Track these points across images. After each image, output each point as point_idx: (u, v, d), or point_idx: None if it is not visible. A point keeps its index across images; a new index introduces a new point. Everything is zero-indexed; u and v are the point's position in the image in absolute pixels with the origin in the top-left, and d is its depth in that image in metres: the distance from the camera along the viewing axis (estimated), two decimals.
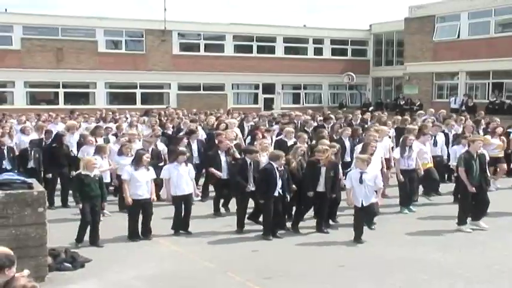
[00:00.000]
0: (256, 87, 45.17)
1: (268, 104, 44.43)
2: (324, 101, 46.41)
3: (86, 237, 12.03)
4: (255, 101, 44.90)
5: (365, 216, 12.40)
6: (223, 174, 14.84)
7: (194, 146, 17.00)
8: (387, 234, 12.69)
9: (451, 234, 12.81)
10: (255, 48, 44.64)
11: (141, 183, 12.36)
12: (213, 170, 14.92)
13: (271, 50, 45.28)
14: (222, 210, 14.96)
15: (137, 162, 12.52)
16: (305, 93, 46.63)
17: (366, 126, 20.37)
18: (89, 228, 12.01)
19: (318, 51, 46.43)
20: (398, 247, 11.77)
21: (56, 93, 40.08)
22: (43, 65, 38.43)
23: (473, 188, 12.87)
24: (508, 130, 19.90)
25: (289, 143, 16.47)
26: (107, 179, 14.59)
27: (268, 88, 45.17)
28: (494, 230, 13.02)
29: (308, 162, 13.15)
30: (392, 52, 46.76)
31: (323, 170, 12.79)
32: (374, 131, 16.35)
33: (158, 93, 42.81)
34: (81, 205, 11.85)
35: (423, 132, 16.65)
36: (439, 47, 38.61)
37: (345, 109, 38.01)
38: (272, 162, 12.51)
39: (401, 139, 15.62)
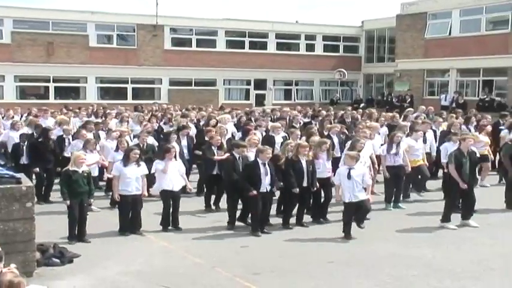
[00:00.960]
0: (248, 83, 45.18)
1: (260, 100, 44.44)
2: (316, 97, 46.46)
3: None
4: (247, 97, 44.91)
5: (357, 212, 12.40)
6: (214, 170, 14.89)
7: (184, 142, 16.99)
8: (376, 230, 12.69)
9: (440, 230, 12.84)
10: (247, 44, 44.68)
11: (130, 179, 12.36)
12: (216, 157, 14.89)
13: (263, 45, 45.30)
14: (213, 207, 14.93)
15: (126, 158, 12.54)
16: (296, 90, 46.69)
17: (356, 122, 20.42)
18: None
19: (310, 48, 46.49)
20: (387, 243, 11.78)
21: (47, 88, 40.01)
22: (33, 59, 38.30)
23: (465, 185, 12.93)
24: (500, 127, 19.94)
25: (277, 138, 16.51)
26: (94, 173, 14.58)
27: (260, 84, 45.19)
28: (483, 227, 13.05)
29: (288, 160, 13.11)
30: (384, 49, 46.85)
31: (304, 165, 12.87)
32: (365, 127, 16.37)
33: (149, 89, 42.76)
34: (68, 202, 11.79)
35: (414, 129, 16.68)
36: (430, 44, 38.73)
37: (335, 105, 38.01)
38: (257, 158, 12.54)
39: (389, 137, 15.64)
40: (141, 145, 15.40)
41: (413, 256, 10.90)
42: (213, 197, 15.01)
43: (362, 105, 38.21)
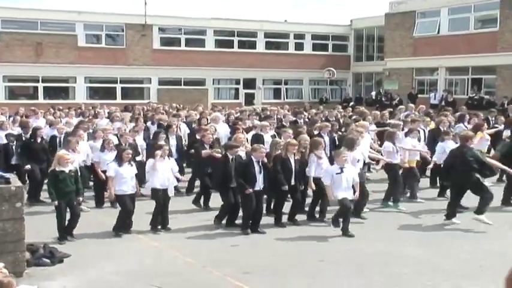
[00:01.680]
0: (237, 82, 45.16)
1: (249, 99, 44.43)
2: (305, 96, 46.50)
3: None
4: (236, 96, 44.89)
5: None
6: (208, 168, 14.83)
7: (172, 141, 16.94)
8: (368, 229, 12.71)
9: (432, 229, 12.86)
10: (236, 43, 44.66)
11: (126, 179, 12.31)
12: (209, 152, 14.78)
13: (252, 45, 45.29)
14: (202, 205, 14.90)
15: (119, 159, 12.45)
16: (286, 89, 46.69)
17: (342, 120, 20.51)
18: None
19: (299, 47, 46.50)
20: (379, 242, 11.78)
21: (36, 88, 39.82)
22: (22, 59, 38.10)
23: None
24: (496, 125, 19.98)
25: (266, 137, 16.52)
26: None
27: (249, 83, 45.17)
28: (476, 225, 13.03)
29: (277, 158, 13.11)
30: (373, 47, 46.94)
31: (292, 163, 12.93)
32: (357, 126, 16.29)
33: (138, 88, 42.67)
34: (56, 202, 11.72)
35: (411, 127, 16.54)
36: (419, 43, 38.84)
37: (324, 104, 38.09)
38: (252, 156, 12.54)
39: (387, 134, 15.46)
40: (124, 144, 15.30)
41: (406, 255, 10.90)
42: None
43: (351, 104, 38.24)
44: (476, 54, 34.57)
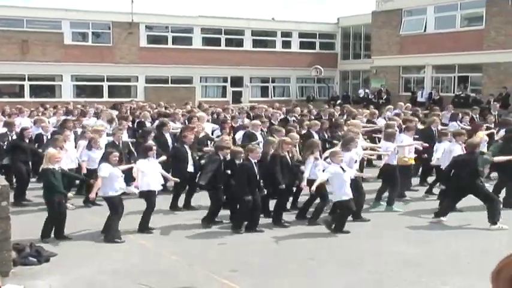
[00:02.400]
0: (225, 80, 45.06)
1: (237, 97, 44.35)
2: (292, 94, 46.48)
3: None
4: (223, 94, 44.81)
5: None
6: (188, 168, 14.76)
7: (169, 139, 16.91)
8: (358, 228, 12.72)
9: (422, 227, 12.90)
10: (223, 41, 44.55)
11: (118, 178, 12.19)
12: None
13: (240, 43, 45.23)
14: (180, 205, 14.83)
15: (109, 160, 12.24)
16: (273, 87, 46.66)
17: (334, 119, 20.49)
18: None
19: (286, 45, 46.48)
20: (370, 240, 11.81)
21: (22, 86, 39.53)
22: (8, 57, 37.79)
23: None
24: (487, 124, 20.13)
25: (257, 135, 16.54)
26: None
27: (237, 81, 45.09)
28: (465, 224, 13.12)
29: (276, 156, 13.09)
30: (360, 45, 46.97)
31: (289, 161, 12.97)
32: (351, 125, 16.28)
33: (125, 86, 42.46)
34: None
35: (409, 125, 16.51)
36: (405, 41, 38.92)
37: (312, 102, 38.10)
38: (249, 157, 12.49)
39: (387, 135, 15.21)
40: (117, 142, 15.31)
41: (394, 253, 10.94)
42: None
43: (339, 102, 38.34)
44: (463, 52, 34.66)
